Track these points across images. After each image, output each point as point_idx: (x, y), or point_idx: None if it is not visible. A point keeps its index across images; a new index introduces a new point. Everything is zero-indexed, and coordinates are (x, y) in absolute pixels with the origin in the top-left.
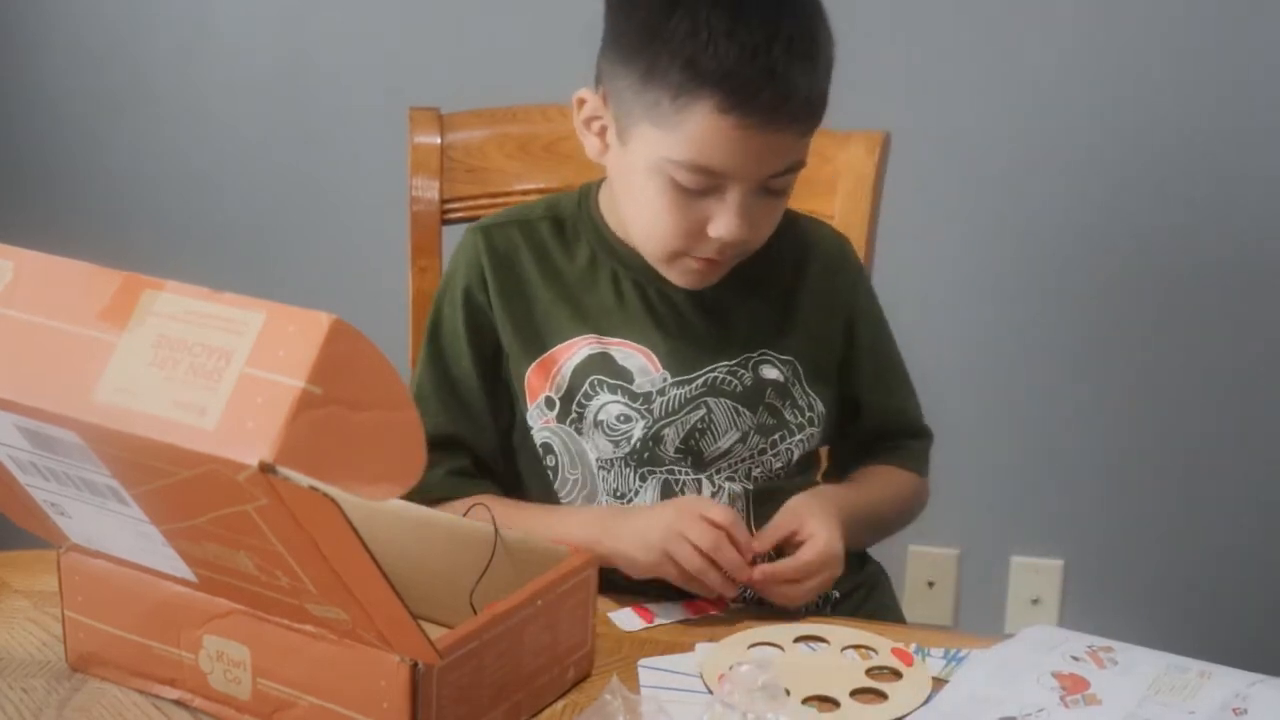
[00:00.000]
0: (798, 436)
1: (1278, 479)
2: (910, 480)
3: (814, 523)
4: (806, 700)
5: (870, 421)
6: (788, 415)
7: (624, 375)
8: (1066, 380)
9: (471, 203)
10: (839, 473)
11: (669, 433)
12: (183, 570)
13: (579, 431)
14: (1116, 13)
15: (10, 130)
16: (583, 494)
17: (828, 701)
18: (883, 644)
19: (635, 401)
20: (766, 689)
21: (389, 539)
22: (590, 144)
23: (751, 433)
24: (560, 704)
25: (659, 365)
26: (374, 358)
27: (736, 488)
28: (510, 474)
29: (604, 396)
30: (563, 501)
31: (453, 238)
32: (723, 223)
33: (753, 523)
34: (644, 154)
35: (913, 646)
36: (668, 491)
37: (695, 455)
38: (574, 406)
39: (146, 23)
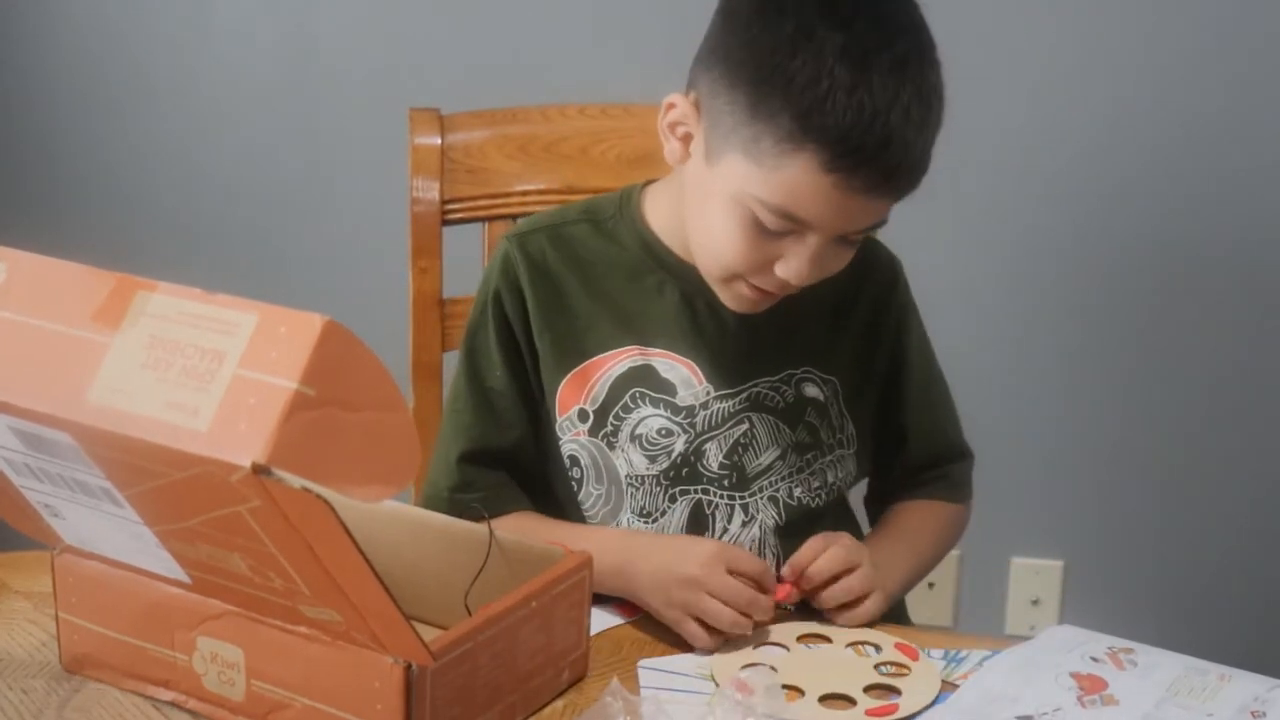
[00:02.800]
0: (829, 457)
1: (1277, 479)
2: (950, 512)
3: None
4: (823, 699)
5: (917, 448)
6: (823, 435)
7: (667, 388)
8: (1066, 380)
9: (471, 203)
10: (880, 505)
11: (711, 447)
12: (176, 571)
13: (611, 446)
14: (1117, 11)
15: (10, 130)
16: (606, 509)
17: (843, 699)
18: (885, 640)
19: (678, 415)
20: (771, 690)
21: (383, 540)
22: (671, 148)
23: (790, 451)
24: (560, 703)
25: (702, 378)
26: (366, 359)
27: (769, 519)
28: (542, 484)
29: (645, 410)
30: (586, 515)
31: (453, 238)
32: (793, 267)
33: (781, 557)
34: (731, 182)
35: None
36: (697, 514)
37: (739, 471)
38: (610, 420)
39: (146, 23)
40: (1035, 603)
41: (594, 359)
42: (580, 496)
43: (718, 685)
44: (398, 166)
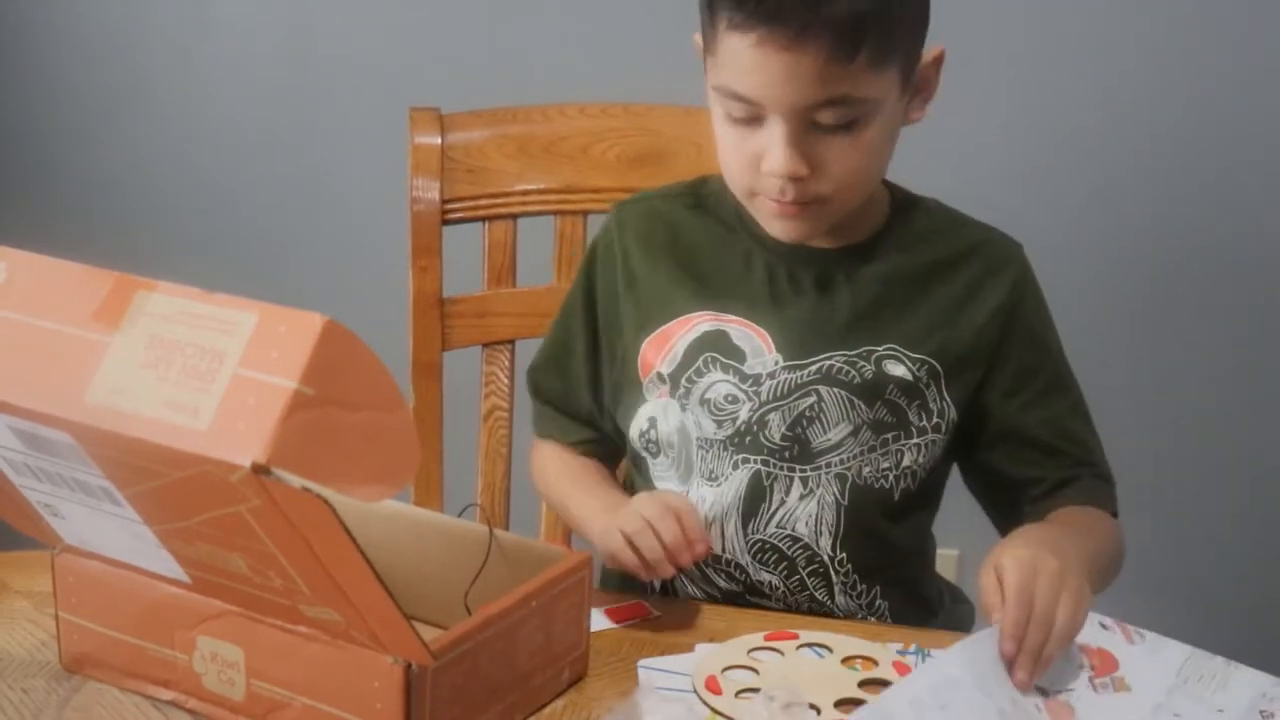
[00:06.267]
0: (915, 440)
1: (1278, 478)
2: (1110, 523)
3: (1004, 561)
4: (790, 705)
5: (1035, 451)
6: (911, 416)
7: (737, 355)
8: None
9: (472, 203)
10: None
11: (774, 418)
12: (176, 571)
13: (683, 408)
14: (1118, 12)
15: (10, 129)
16: (676, 472)
17: (811, 708)
18: (886, 656)
19: (744, 383)
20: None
21: (383, 540)
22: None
23: (864, 428)
24: (560, 703)
25: (772, 347)
26: (366, 358)
27: (831, 495)
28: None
29: (715, 375)
30: (656, 479)
31: (453, 238)
32: (769, 156)
33: (838, 533)
34: (709, 87)
35: (913, 647)
36: (755, 483)
37: (802, 444)
38: (684, 382)
39: (146, 22)
40: None
41: (672, 323)
42: (656, 460)
43: (694, 685)
44: (398, 166)
